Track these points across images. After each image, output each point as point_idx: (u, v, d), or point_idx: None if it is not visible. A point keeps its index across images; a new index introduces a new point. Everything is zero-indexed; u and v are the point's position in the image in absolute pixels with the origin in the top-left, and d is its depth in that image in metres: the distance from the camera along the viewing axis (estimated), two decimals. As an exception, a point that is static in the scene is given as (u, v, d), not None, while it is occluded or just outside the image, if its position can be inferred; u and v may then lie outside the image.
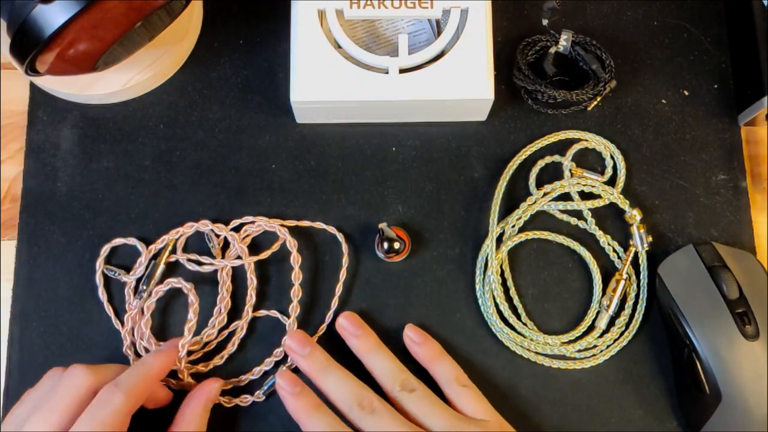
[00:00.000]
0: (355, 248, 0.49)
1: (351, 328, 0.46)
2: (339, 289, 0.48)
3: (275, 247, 0.48)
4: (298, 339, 0.45)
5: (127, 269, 0.47)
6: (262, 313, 0.47)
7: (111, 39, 0.42)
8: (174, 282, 0.46)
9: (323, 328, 0.47)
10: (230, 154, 0.50)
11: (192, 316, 0.45)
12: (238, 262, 0.47)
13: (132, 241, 0.48)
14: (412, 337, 0.46)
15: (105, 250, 0.48)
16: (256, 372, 0.46)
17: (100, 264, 0.47)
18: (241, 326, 0.47)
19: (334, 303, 0.47)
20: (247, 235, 0.48)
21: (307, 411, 0.43)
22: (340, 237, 0.48)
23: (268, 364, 0.46)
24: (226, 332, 0.47)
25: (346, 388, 0.43)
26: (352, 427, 0.42)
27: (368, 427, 0.42)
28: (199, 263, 0.47)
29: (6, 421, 0.40)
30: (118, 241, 0.48)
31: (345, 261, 0.48)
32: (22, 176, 0.49)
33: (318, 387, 0.44)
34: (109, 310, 0.47)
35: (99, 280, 0.47)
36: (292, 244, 0.48)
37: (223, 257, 0.48)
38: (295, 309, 0.47)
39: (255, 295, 0.47)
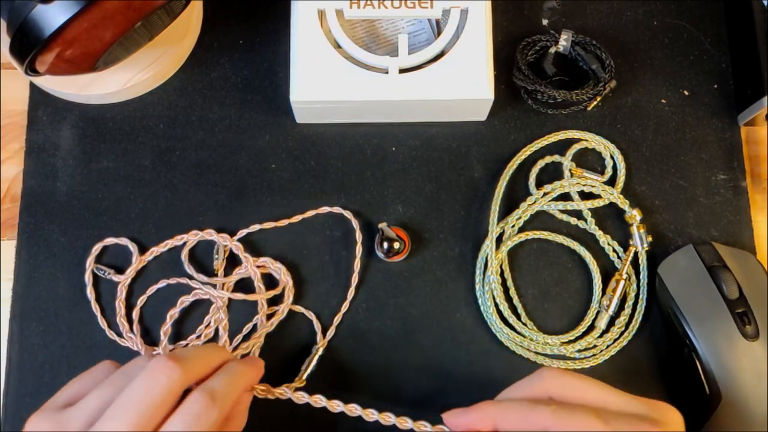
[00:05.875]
0: (355, 248, 0.49)
1: None
2: (353, 284, 0.48)
3: (278, 290, 0.47)
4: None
5: (121, 270, 0.47)
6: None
7: (111, 39, 0.42)
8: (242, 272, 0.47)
9: (332, 330, 0.47)
10: (230, 154, 0.50)
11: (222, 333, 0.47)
12: (237, 295, 0.47)
13: (124, 241, 0.48)
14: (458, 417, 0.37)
15: (96, 249, 0.48)
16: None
17: (90, 263, 0.47)
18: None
19: (350, 294, 0.48)
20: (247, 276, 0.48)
21: None
22: (348, 214, 0.48)
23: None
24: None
25: None
26: None
27: None
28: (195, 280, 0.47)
29: (67, 414, 0.34)
30: (109, 240, 0.48)
31: (359, 236, 0.48)
32: (22, 176, 0.49)
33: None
34: (96, 309, 0.47)
35: (88, 279, 0.47)
36: (289, 288, 0.47)
37: (227, 265, 0.48)
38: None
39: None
